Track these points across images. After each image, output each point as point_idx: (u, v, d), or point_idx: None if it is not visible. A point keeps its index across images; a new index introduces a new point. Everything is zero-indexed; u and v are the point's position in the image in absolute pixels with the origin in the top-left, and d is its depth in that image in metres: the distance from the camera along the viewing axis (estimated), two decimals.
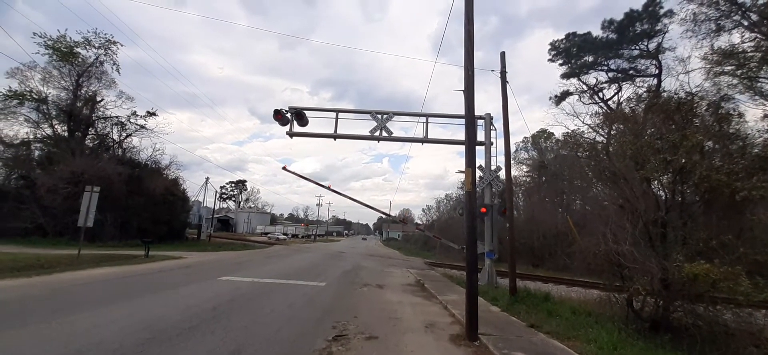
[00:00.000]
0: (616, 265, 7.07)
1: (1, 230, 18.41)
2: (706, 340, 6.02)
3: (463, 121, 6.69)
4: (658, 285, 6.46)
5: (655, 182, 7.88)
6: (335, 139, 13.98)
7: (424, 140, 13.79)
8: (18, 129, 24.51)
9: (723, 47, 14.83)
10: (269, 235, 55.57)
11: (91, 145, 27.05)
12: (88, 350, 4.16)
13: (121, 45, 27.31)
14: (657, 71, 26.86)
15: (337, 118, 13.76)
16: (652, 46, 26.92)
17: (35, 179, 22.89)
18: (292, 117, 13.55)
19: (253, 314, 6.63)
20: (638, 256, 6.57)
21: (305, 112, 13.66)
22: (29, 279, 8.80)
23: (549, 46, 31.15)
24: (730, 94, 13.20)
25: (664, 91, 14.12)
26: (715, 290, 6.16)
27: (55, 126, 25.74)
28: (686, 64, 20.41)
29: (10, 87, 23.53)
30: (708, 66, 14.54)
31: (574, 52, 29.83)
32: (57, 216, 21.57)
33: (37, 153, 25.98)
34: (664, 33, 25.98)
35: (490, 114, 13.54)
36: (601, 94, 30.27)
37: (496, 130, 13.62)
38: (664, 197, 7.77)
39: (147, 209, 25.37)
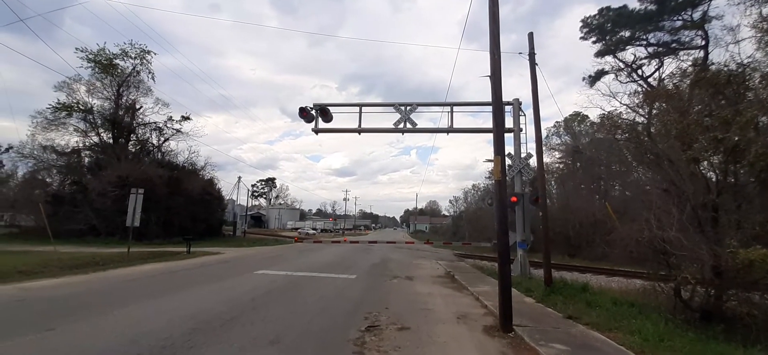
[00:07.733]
0: (662, 252, 6.65)
1: (59, 232, 20.10)
2: (762, 329, 5.56)
3: (490, 108, 6.50)
4: (710, 273, 6.03)
5: (704, 163, 7.31)
6: (360, 133, 14.08)
7: (449, 130, 13.54)
8: (68, 138, 26.73)
9: None
10: (299, 231, 57.13)
11: (133, 150, 28.93)
12: (142, 339, 4.48)
13: (155, 54, 28.89)
14: (703, 43, 24.63)
15: (360, 113, 13.81)
16: (697, 15, 24.66)
17: (86, 184, 24.82)
18: (317, 114, 13.74)
19: (289, 305, 6.87)
20: (686, 242, 6.13)
21: (329, 108, 13.80)
22: (87, 276, 9.61)
23: (581, 23, 29.37)
24: None
25: (712, 64, 13.00)
26: None
27: (101, 134, 27.73)
28: (736, 33, 18.64)
29: (58, 99, 25.59)
30: (758, 35, 13.22)
31: (609, 28, 27.94)
32: (108, 217, 23.30)
33: (86, 160, 28.14)
34: (710, 0, 23.80)
35: (518, 99, 13.06)
36: (640, 72, 28.28)
37: (525, 116, 13.14)
38: (714, 179, 7.20)
39: (186, 208, 26.84)
